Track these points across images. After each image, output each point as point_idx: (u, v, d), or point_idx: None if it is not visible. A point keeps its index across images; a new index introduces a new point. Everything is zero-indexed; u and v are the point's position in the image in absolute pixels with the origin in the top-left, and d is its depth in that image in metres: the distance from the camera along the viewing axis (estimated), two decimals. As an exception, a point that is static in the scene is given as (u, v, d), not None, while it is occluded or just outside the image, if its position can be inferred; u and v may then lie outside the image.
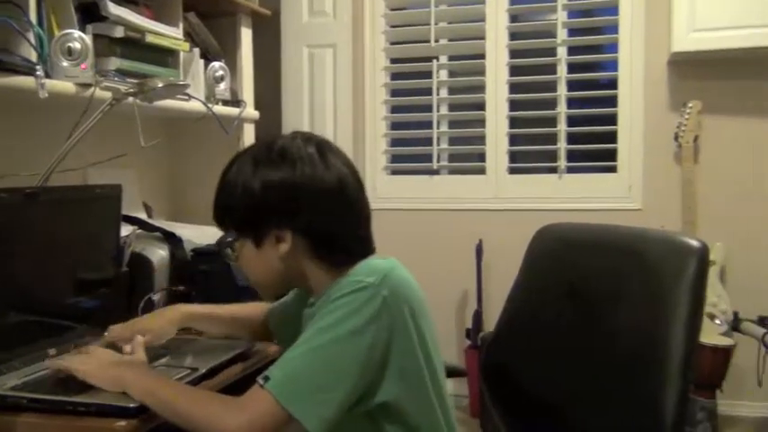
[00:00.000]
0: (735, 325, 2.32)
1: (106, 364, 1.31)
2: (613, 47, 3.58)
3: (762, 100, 3.38)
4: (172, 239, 2.02)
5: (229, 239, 1.31)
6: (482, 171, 3.76)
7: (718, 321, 3.21)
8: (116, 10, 1.93)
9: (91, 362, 1.33)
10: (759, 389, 2.44)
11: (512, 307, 1.65)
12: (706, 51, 3.19)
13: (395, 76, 3.94)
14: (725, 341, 3.13)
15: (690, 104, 3.35)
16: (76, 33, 1.81)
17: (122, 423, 1.19)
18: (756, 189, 3.37)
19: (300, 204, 1.22)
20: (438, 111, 3.81)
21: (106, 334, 1.56)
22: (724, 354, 3.11)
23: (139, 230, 2.05)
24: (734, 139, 3.42)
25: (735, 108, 3.41)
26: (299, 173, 1.22)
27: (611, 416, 1.31)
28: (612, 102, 3.59)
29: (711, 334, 3.19)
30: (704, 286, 1.24)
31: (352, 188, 1.27)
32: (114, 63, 1.95)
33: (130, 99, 1.80)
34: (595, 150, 3.65)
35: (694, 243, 1.28)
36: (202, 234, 2.16)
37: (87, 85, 1.81)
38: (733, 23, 3.09)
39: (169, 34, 2.13)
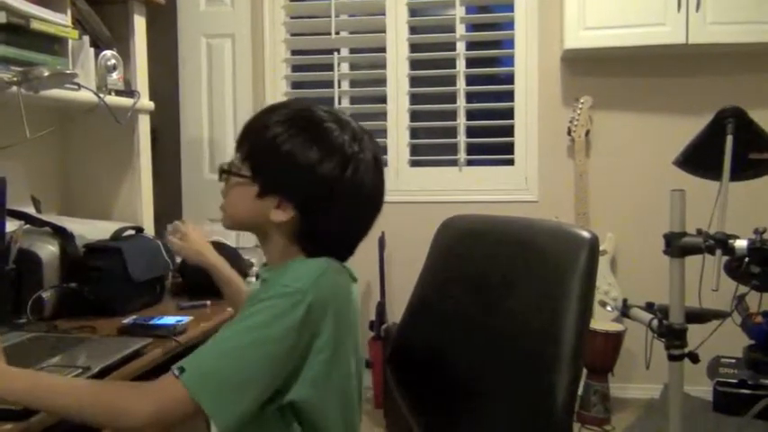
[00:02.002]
0: (624, 311, 2.41)
1: None
2: (510, 43, 3.68)
3: (649, 96, 3.54)
4: (62, 234, 1.94)
5: (235, 167, 1.25)
6: (383, 164, 3.77)
7: (609, 308, 3.35)
8: (-2, -6, 1.83)
9: None
10: (647, 372, 2.55)
11: (416, 297, 1.66)
12: (596, 49, 3.31)
13: (295, 68, 3.92)
14: (616, 327, 3.27)
15: (581, 100, 3.48)
16: (-46, 18, 1.71)
17: (8, 426, 1.14)
18: (643, 181, 3.54)
19: (324, 201, 1.21)
20: (339, 103, 3.81)
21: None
22: (615, 339, 3.25)
23: (27, 225, 1.96)
24: (623, 133, 3.57)
25: (624, 104, 3.57)
26: (346, 180, 1.21)
27: (507, 402, 1.34)
28: (510, 96, 3.68)
29: (603, 320, 3.33)
30: (594, 277, 1.28)
31: (375, 206, 1.29)
32: (-3, 50, 1.85)
33: (14, 88, 1.71)
34: (494, 144, 3.74)
35: (585, 234, 1.31)
36: (95, 229, 2.09)
37: (-33, 73, 1.72)
38: (622, 22, 3.22)
39: (56, 21, 2.04)
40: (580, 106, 3.47)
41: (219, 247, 2.23)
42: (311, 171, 1.20)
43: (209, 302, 2.03)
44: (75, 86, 2.08)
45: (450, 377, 1.50)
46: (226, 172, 1.27)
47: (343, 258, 1.30)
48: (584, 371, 3.28)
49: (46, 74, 1.72)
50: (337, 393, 1.23)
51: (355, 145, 1.23)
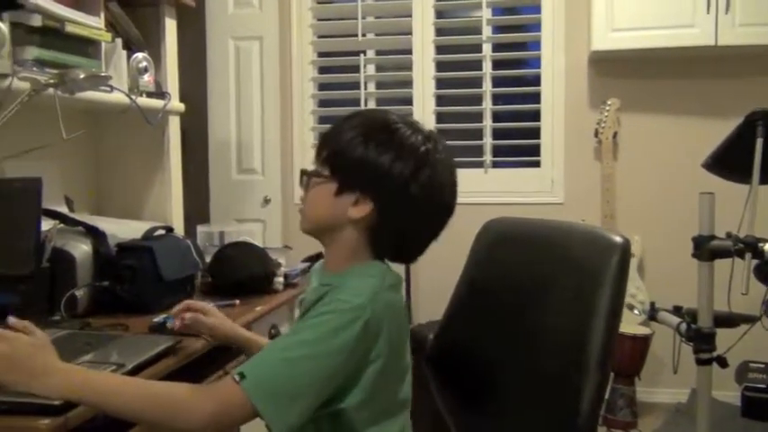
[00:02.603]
0: (652, 315, 2.40)
1: (37, 370, 1.18)
2: (537, 44, 3.67)
3: (676, 98, 3.52)
4: (95, 234, 1.97)
5: (316, 170, 1.29)
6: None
7: (636, 312, 3.33)
8: (34, -3, 1.86)
9: (10, 370, 1.17)
10: (674, 376, 2.54)
11: (456, 298, 1.69)
12: (624, 50, 3.30)
13: (322, 70, 3.94)
14: (643, 330, 3.25)
15: (609, 102, 3.46)
16: (-9, 21, 1.74)
17: (46, 421, 1.16)
18: (671, 184, 3.51)
19: (402, 195, 1.24)
20: (365, 105, 3.83)
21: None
22: (642, 343, 3.23)
23: (61, 225, 1.99)
24: (651, 135, 3.55)
25: (651, 106, 3.54)
26: (419, 179, 1.24)
27: (536, 404, 1.35)
28: (536, 98, 3.67)
29: (630, 324, 3.31)
30: (625, 282, 1.29)
31: (449, 208, 1.31)
32: (32, 53, 1.88)
33: (50, 90, 1.74)
34: (520, 146, 3.73)
35: (617, 239, 1.31)
36: (126, 228, 2.11)
37: (4, 75, 1.75)
38: (649, 24, 3.21)
39: (90, 24, 2.07)
40: (608, 108, 3.45)
41: (249, 246, 2.26)
42: (388, 168, 1.23)
43: (237, 301, 2.05)
44: (108, 88, 2.11)
45: (486, 379, 1.51)
46: (306, 174, 1.31)
47: (411, 260, 1.35)
48: (612, 374, 3.26)
49: (82, 76, 1.75)
50: (388, 403, 1.27)
51: (429, 144, 1.27)
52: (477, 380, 1.52)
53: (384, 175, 1.23)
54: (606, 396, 3.28)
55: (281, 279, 2.26)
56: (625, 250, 1.29)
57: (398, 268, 1.35)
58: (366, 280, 1.24)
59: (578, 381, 1.23)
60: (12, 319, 1.31)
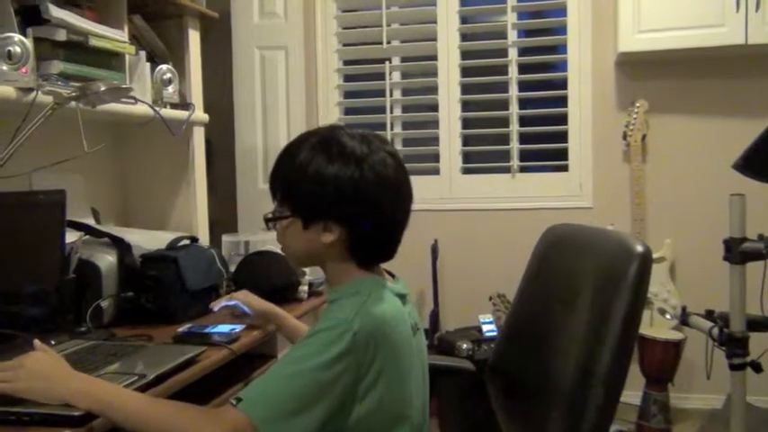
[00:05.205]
0: (684, 319, 2.36)
1: (53, 378, 1.26)
2: (563, 48, 3.63)
3: (706, 98, 3.46)
4: (120, 245, 1.99)
5: (276, 212, 1.35)
6: (436, 171, 3.78)
7: (668, 316, 3.27)
8: (58, 13, 1.89)
9: (31, 378, 1.26)
10: (708, 381, 2.49)
11: (515, 306, 1.71)
12: (651, 52, 3.25)
13: (348, 78, 3.94)
14: (675, 335, 3.19)
15: (637, 104, 3.41)
16: (16, 37, 1.77)
17: (68, 432, 1.17)
18: (702, 186, 3.45)
19: (358, 205, 1.28)
20: (391, 112, 3.82)
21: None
22: (675, 348, 3.17)
23: (87, 236, 2.02)
24: (680, 137, 3.49)
25: (680, 107, 3.49)
26: (366, 175, 1.28)
27: (552, 413, 1.33)
28: (563, 102, 3.63)
29: (663, 329, 3.26)
30: (644, 290, 1.26)
31: (404, 197, 1.35)
32: (57, 67, 1.91)
33: (73, 103, 1.76)
34: (547, 150, 3.69)
35: (637, 247, 1.29)
36: (152, 239, 2.13)
37: (29, 90, 1.78)
38: (677, 24, 3.16)
39: (113, 37, 2.10)
40: (636, 110, 3.41)
41: (273, 255, 2.26)
42: (337, 183, 1.27)
43: (262, 311, 2.05)
44: (132, 100, 2.13)
45: (528, 387, 1.52)
46: (269, 220, 1.37)
47: (390, 257, 1.37)
48: (643, 380, 3.21)
49: (103, 89, 1.77)
50: (393, 416, 1.27)
51: (364, 147, 1.30)
52: (525, 390, 1.52)
53: (337, 191, 1.27)
54: (639, 403, 3.24)
55: (305, 287, 2.26)
56: (645, 258, 1.26)
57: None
58: (352, 298, 1.27)
59: (586, 390, 1.21)
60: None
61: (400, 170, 1.34)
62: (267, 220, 1.37)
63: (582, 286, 1.39)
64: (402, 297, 1.37)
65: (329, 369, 1.17)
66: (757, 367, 2.10)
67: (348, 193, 1.27)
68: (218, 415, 1.17)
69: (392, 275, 1.45)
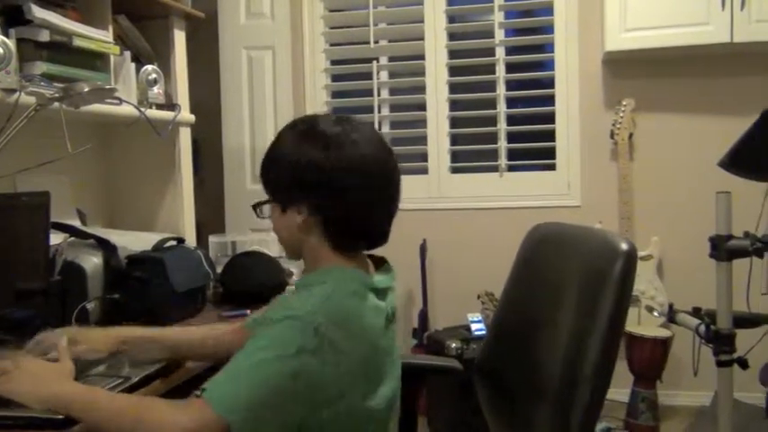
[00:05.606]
0: (671, 317, 2.37)
1: (38, 382, 1.27)
2: (550, 47, 3.64)
3: (692, 97, 3.47)
4: (106, 246, 1.98)
5: (264, 199, 1.39)
6: (424, 171, 3.78)
7: (656, 314, 3.28)
8: (41, 13, 1.87)
9: (20, 380, 1.27)
10: (695, 378, 2.50)
11: (501, 305, 1.72)
12: (638, 50, 3.26)
13: (335, 78, 3.94)
14: (663, 333, 3.21)
15: (624, 102, 3.42)
16: (-1, 38, 1.76)
17: (51, 435, 1.16)
18: (689, 183, 3.46)
19: (323, 188, 1.28)
20: (379, 112, 3.82)
21: (37, 337, 1.52)
22: (663, 345, 3.18)
23: (72, 238, 2.00)
24: (667, 135, 3.50)
25: (667, 105, 3.50)
26: (332, 157, 1.27)
27: (540, 409, 1.33)
28: (550, 101, 3.64)
29: (651, 326, 3.27)
30: (629, 288, 1.27)
31: (380, 182, 1.33)
32: (40, 67, 1.89)
33: (56, 104, 1.75)
34: (535, 149, 3.70)
35: (622, 245, 1.30)
36: (138, 240, 2.12)
37: (12, 91, 1.76)
38: (663, 23, 3.17)
39: (98, 37, 2.08)
40: (623, 109, 3.42)
41: (260, 255, 2.26)
42: (301, 166, 1.28)
43: (249, 311, 2.04)
44: (117, 101, 2.12)
45: (515, 386, 1.53)
46: (255, 206, 1.40)
47: (379, 241, 1.37)
48: (632, 378, 3.22)
49: (86, 89, 1.75)
50: (355, 412, 1.25)
51: (338, 128, 1.31)
52: (510, 388, 1.52)
53: (302, 172, 1.28)
54: (627, 400, 3.25)
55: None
56: (630, 256, 1.26)
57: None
58: (318, 288, 1.26)
59: (573, 388, 1.21)
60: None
61: (379, 155, 1.33)
62: (253, 207, 1.40)
63: (567, 285, 1.39)
64: (380, 291, 1.34)
65: (291, 360, 1.15)
66: (744, 364, 2.11)
67: (311, 176, 1.28)
68: (188, 408, 1.15)
69: (382, 262, 1.44)
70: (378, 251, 1.41)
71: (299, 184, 1.30)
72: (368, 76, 3.83)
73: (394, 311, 1.39)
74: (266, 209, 1.38)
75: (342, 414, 1.22)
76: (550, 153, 3.65)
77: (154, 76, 2.34)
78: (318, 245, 1.32)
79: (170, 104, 2.43)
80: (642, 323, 3.29)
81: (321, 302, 1.21)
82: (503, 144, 3.69)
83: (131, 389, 1.38)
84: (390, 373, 1.35)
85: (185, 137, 2.54)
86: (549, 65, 3.68)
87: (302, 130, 1.32)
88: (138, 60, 2.36)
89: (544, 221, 1.71)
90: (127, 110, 2.18)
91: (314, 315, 1.18)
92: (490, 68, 3.70)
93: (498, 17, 3.67)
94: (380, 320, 1.31)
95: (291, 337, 1.16)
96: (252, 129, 3.59)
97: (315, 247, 1.33)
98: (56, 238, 1.94)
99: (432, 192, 3.76)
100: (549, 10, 3.63)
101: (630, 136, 3.43)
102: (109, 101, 2.07)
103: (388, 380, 1.33)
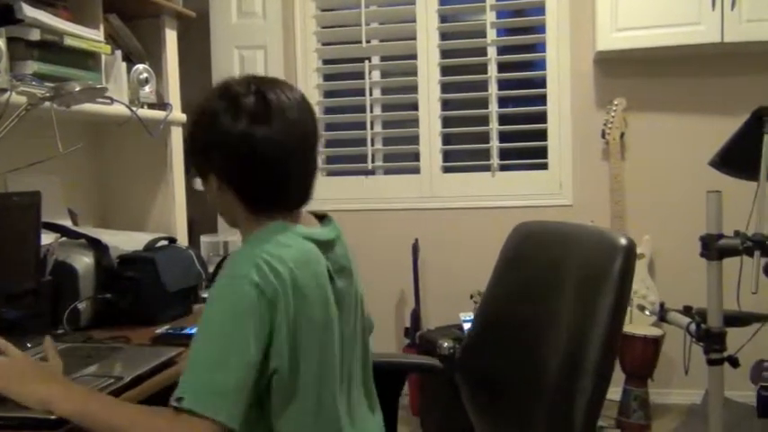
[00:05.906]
0: (662, 315, 2.38)
1: (28, 378, 1.25)
2: (542, 46, 3.65)
3: (683, 96, 3.48)
4: (97, 246, 1.97)
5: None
6: (416, 171, 3.78)
7: (647, 312, 3.29)
8: (31, 12, 1.87)
9: (8, 375, 1.26)
10: (686, 377, 2.51)
11: (485, 303, 1.70)
12: (629, 50, 3.27)
13: (327, 78, 3.93)
14: (655, 332, 3.22)
15: (615, 102, 3.43)
16: (-11, 37, 1.75)
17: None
18: (680, 183, 3.48)
19: (223, 153, 1.27)
20: (371, 111, 3.82)
21: None
22: (654, 344, 3.20)
23: (63, 238, 2.00)
24: (658, 134, 3.51)
25: (658, 105, 3.51)
26: (235, 122, 1.25)
27: (539, 408, 1.33)
28: (542, 100, 3.65)
29: (642, 325, 3.28)
30: (628, 284, 1.26)
31: (299, 137, 1.29)
32: (31, 67, 1.89)
33: (47, 104, 1.74)
34: (527, 148, 3.71)
35: (621, 240, 1.29)
36: (130, 240, 2.11)
37: (2, 90, 1.76)
38: (654, 23, 3.18)
39: (89, 36, 2.08)
40: (614, 108, 3.43)
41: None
42: (197, 133, 1.30)
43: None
44: (108, 100, 2.11)
45: (504, 383, 1.52)
46: (189, 178, 1.41)
47: (300, 200, 1.34)
48: (623, 376, 3.23)
49: (77, 89, 1.75)
50: (307, 365, 1.23)
51: (241, 87, 1.29)
52: (496, 387, 1.52)
53: (208, 144, 1.29)
54: (619, 399, 3.26)
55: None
56: (629, 252, 1.26)
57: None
58: (247, 248, 1.23)
59: (574, 383, 1.21)
60: None
61: (288, 115, 1.28)
62: (188, 179, 1.43)
63: (563, 281, 1.39)
64: (321, 243, 1.30)
65: (236, 322, 1.14)
66: (734, 362, 2.12)
67: (213, 143, 1.27)
68: (177, 421, 1.13)
69: (322, 217, 1.42)
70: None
71: (204, 151, 1.30)
72: (360, 75, 3.83)
73: (342, 266, 1.36)
74: (199, 181, 1.38)
75: (290, 363, 1.20)
76: (542, 152, 3.66)
77: (145, 75, 2.34)
78: (240, 210, 1.31)
79: (161, 104, 2.42)
80: (634, 322, 3.30)
81: (252, 261, 1.18)
82: (495, 143, 3.69)
83: (123, 389, 1.37)
84: (351, 330, 1.34)
85: (177, 136, 2.54)
86: (540, 64, 3.69)
87: (204, 98, 1.32)
88: (130, 60, 2.36)
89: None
90: (118, 109, 2.17)
91: (247, 274, 1.16)
92: (482, 68, 3.71)
93: (490, 17, 3.67)
94: (319, 270, 1.26)
95: (232, 301, 1.16)
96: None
97: (238, 212, 1.32)
98: (47, 238, 1.93)
99: (424, 191, 3.76)
100: (540, 10, 3.63)
101: (622, 135, 3.45)
102: (100, 100, 2.07)
103: (341, 336, 1.30)
